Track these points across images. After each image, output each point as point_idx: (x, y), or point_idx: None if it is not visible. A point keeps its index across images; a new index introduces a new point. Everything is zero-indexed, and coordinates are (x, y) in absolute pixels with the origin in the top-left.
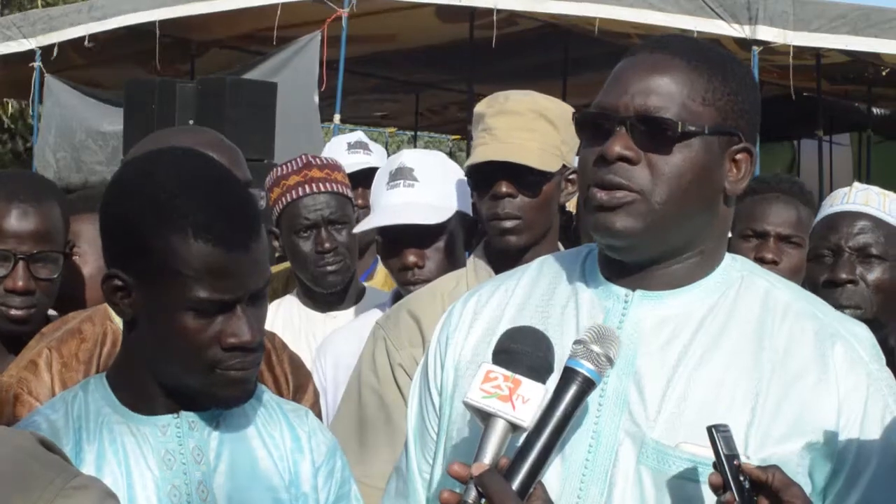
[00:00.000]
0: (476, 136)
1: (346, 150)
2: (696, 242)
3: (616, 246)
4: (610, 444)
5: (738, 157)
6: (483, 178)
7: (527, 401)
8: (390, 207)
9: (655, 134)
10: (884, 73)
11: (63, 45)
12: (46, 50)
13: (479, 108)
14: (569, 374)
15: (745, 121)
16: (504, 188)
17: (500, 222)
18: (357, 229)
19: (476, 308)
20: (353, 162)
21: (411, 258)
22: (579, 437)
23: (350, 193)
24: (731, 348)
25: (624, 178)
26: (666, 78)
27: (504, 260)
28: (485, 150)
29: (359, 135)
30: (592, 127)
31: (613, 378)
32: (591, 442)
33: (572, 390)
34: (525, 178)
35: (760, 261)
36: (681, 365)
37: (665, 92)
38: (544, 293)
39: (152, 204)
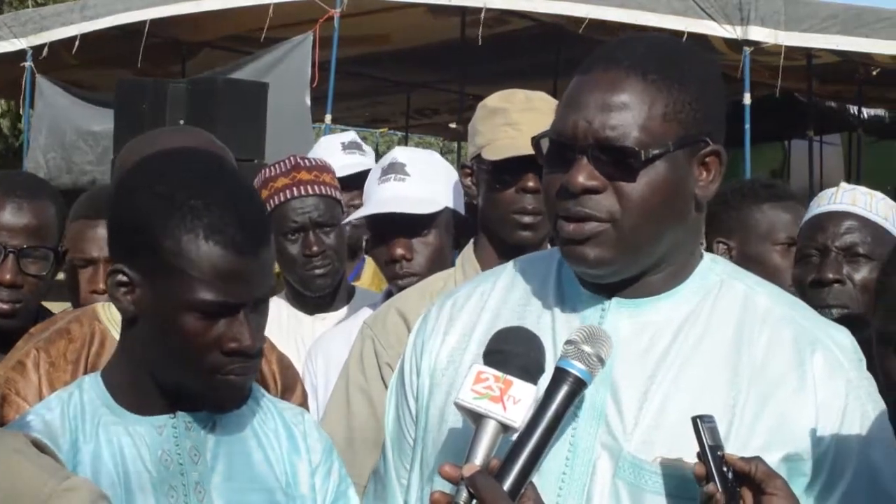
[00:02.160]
0: (493, 128)
1: (342, 150)
2: (670, 254)
3: (590, 273)
4: (587, 456)
5: (708, 160)
6: (508, 171)
7: (518, 401)
8: (381, 200)
9: (618, 162)
10: (874, 74)
11: (54, 45)
12: (37, 49)
13: (498, 103)
14: (560, 374)
15: (711, 122)
16: (533, 183)
17: (524, 216)
18: (347, 220)
19: (451, 313)
20: (350, 163)
21: (399, 250)
22: (556, 448)
23: (339, 195)
24: (709, 359)
25: (591, 209)
26: (623, 98)
27: (513, 255)
28: (518, 144)
29: (352, 135)
30: (553, 152)
31: (590, 389)
32: (567, 455)
33: (563, 391)
34: None
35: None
36: (658, 375)
37: (624, 116)
38: (520, 299)
39: (167, 202)
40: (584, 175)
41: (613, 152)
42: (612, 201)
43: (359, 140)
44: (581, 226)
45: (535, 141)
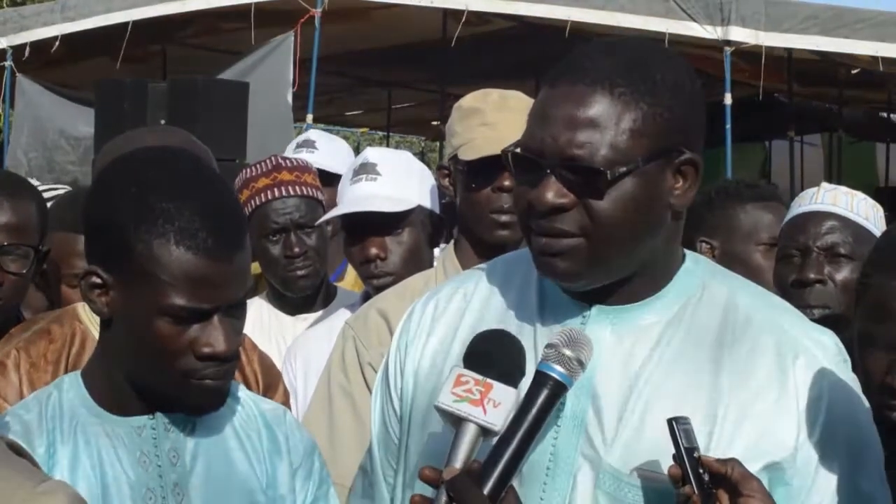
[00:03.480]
0: (469, 129)
1: (293, 149)
2: (649, 261)
3: (562, 285)
4: (568, 467)
5: (683, 168)
6: (484, 171)
7: (498, 405)
8: (352, 199)
9: (585, 180)
10: (853, 73)
11: (35, 45)
12: (18, 49)
13: (472, 102)
14: (540, 377)
15: (685, 131)
16: (509, 182)
17: (502, 216)
18: (320, 220)
19: (434, 314)
20: None
21: (373, 250)
22: (537, 458)
23: (321, 196)
24: (690, 369)
25: (561, 225)
26: (590, 114)
27: (492, 254)
28: (493, 143)
29: (308, 133)
30: (522, 165)
31: (571, 397)
32: (549, 465)
33: (544, 394)
34: None
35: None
36: (638, 384)
37: (590, 136)
38: (503, 301)
39: (139, 205)
40: (551, 193)
41: (580, 171)
42: (581, 217)
43: (314, 138)
44: (552, 241)
45: (505, 153)
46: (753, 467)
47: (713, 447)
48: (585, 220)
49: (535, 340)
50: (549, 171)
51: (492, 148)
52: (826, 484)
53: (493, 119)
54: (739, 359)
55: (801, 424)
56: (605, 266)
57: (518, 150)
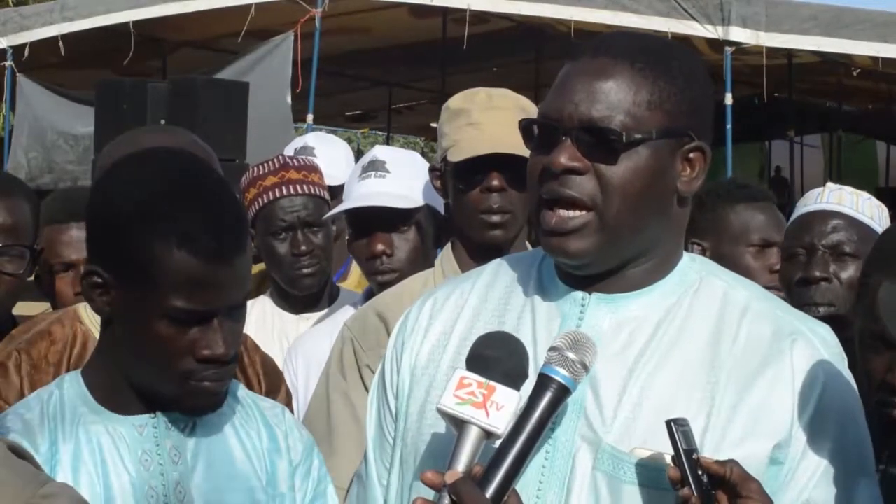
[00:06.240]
0: (456, 130)
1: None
2: (651, 247)
3: (572, 265)
4: (566, 449)
5: (692, 155)
6: (472, 171)
7: (501, 407)
8: (360, 195)
9: (601, 144)
10: (854, 74)
11: (35, 45)
12: (18, 49)
13: (460, 103)
14: (543, 380)
15: (696, 118)
16: (497, 181)
17: (491, 216)
18: (327, 215)
19: (432, 312)
20: None
21: (379, 246)
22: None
23: (327, 195)
24: (688, 353)
25: (572, 190)
26: (610, 83)
27: (485, 255)
28: (479, 144)
29: (307, 139)
30: (538, 135)
31: None
32: (548, 447)
33: (547, 397)
34: (517, 171)
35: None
36: (637, 369)
37: (609, 100)
38: (500, 297)
39: (140, 207)
40: (566, 156)
41: (596, 133)
42: (593, 184)
43: (311, 144)
44: (563, 217)
45: (524, 124)
46: (751, 448)
47: (711, 428)
48: (596, 188)
49: (533, 334)
50: (565, 136)
51: (478, 148)
52: (814, 466)
53: (479, 119)
54: (737, 346)
55: (796, 404)
56: (614, 242)
57: (537, 119)
